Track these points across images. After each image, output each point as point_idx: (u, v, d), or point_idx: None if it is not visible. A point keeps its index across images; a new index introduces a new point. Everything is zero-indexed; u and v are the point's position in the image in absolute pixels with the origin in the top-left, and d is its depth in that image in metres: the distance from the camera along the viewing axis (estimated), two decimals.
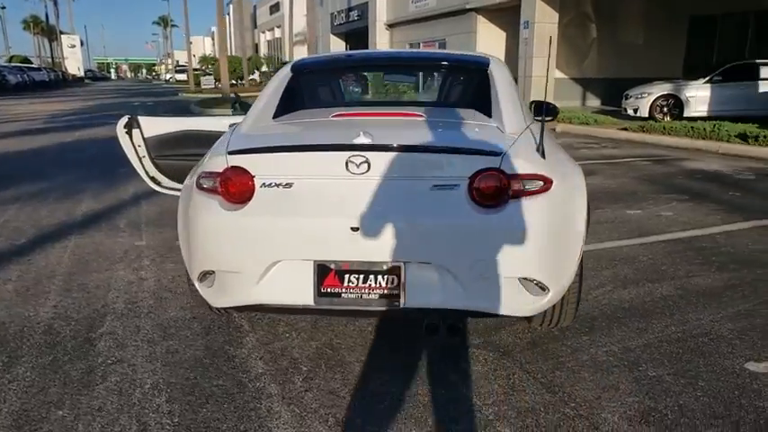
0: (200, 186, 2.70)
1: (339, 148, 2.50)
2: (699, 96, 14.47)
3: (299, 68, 3.61)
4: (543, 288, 2.53)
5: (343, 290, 2.54)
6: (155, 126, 4.36)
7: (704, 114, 14.20)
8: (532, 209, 2.48)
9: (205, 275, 2.75)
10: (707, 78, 14.64)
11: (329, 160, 2.51)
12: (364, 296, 2.53)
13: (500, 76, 3.35)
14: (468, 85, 3.65)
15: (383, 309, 2.55)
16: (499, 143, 2.58)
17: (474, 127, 2.97)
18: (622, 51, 20.11)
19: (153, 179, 4.58)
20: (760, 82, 14.40)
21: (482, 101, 3.24)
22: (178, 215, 2.90)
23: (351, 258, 2.51)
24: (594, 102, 20.90)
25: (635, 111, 14.99)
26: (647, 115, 14.66)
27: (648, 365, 2.85)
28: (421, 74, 3.93)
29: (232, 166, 2.58)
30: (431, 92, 3.82)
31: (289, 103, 3.38)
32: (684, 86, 14.76)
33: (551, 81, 17.23)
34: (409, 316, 2.54)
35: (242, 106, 5.13)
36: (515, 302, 2.53)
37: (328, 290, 2.55)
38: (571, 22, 19.11)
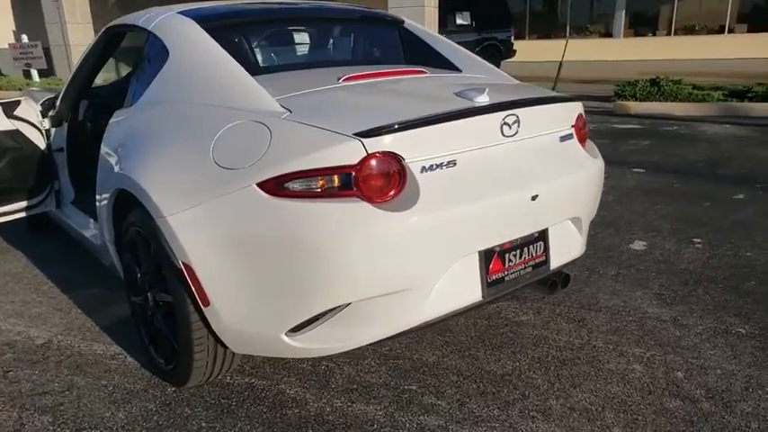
0: (308, 192, 1.84)
1: (494, 109, 2.07)
2: None
3: (205, 22, 2.60)
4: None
5: (506, 272, 2.17)
6: None
7: None
8: (595, 149, 2.61)
9: (320, 317, 1.93)
10: None
11: (486, 125, 2.05)
12: (521, 272, 2.22)
13: (426, 30, 3.19)
14: (399, 41, 3.26)
15: (537, 279, 2.29)
16: (550, 91, 2.56)
17: (500, 77, 2.81)
18: None
19: None
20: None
21: (437, 55, 3.05)
22: (230, 253, 1.91)
23: (521, 233, 2.16)
24: (127, 70, 19.78)
25: None
26: None
27: None
28: (330, 30, 3.23)
29: (378, 153, 1.84)
30: (357, 49, 3.23)
31: None
32: None
33: None
34: (550, 279, 2.34)
35: None
36: (582, 244, 2.57)
37: (494, 277, 2.14)
38: None
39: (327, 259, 1.82)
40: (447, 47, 3.08)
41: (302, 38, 3.13)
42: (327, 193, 1.83)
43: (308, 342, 1.96)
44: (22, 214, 3.50)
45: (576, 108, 2.42)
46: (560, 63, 3.96)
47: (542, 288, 2.39)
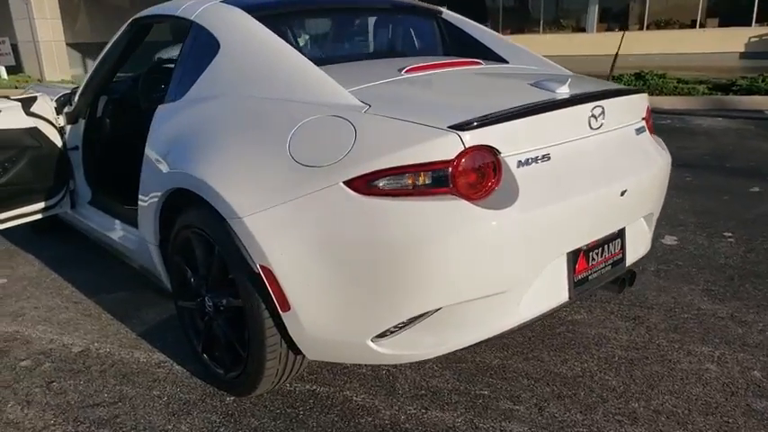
0: (399, 190, 1.74)
1: (583, 100, 2.00)
2: None
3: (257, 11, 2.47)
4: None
5: (590, 271, 2.11)
6: None
7: None
8: (662, 142, 2.56)
9: (411, 321, 1.84)
10: None
11: (576, 117, 1.99)
12: (602, 270, 2.17)
13: (466, 20, 3.11)
14: (441, 31, 3.16)
15: (614, 277, 2.24)
16: (611, 82, 2.50)
17: (553, 67, 2.74)
18: (111, 15, 18.99)
19: None
20: None
21: (477, 45, 2.97)
22: (313, 254, 1.80)
23: (610, 230, 2.10)
24: None
25: None
26: None
27: None
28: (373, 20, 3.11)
29: (475, 147, 1.76)
30: (399, 40, 3.12)
31: None
32: None
33: (60, 47, 15.16)
34: (620, 277, 2.29)
35: None
36: (650, 240, 2.52)
37: (579, 276, 2.07)
38: None
39: (422, 261, 1.73)
40: (489, 37, 3.00)
41: (345, 28, 3.02)
42: (421, 191, 1.74)
43: (395, 348, 1.87)
44: (39, 216, 3.32)
45: (645, 100, 2.36)
46: (615, 56, 3.91)
47: (610, 287, 2.34)
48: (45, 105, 3.24)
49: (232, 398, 2.26)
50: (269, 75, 2.15)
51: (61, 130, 3.33)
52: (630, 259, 2.29)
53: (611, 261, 2.18)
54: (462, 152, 1.72)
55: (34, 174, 3.13)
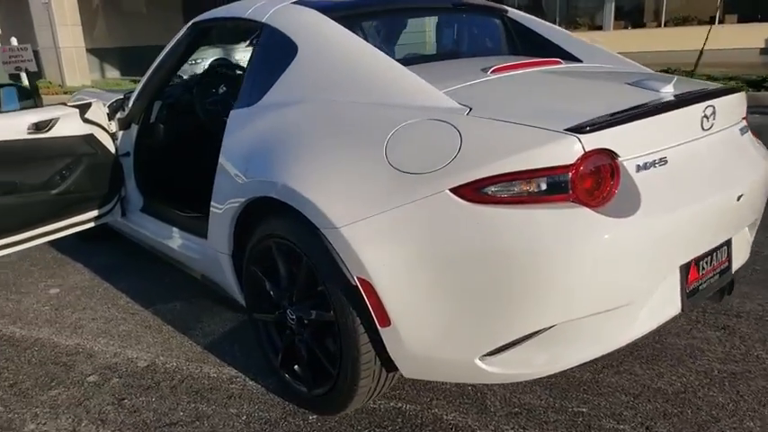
0: (512, 198, 1.63)
1: (697, 100, 1.88)
2: (245, 59, 15.01)
3: (329, 11, 2.37)
4: None
5: (700, 281, 1.98)
6: None
7: None
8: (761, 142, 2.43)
9: (524, 338, 1.72)
10: (248, 42, 15.27)
11: (689, 118, 1.86)
12: (711, 280, 2.03)
13: (532, 18, 2.99)
14: (507, 30, 3.04)
15: (721, 286, 2.10)
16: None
17: (631, 65, 2.62)
18: (128, 20, 19.04)
19: None
20: None
21: (545, 44, 2.85)
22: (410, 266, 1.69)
23: (725, 237, 1.98)
24: (113, 73, 19.37)
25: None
26: None
27: None
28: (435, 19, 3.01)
29: (595, 150, 1.64)
30: (467, 39, 3.01)
31: None
32: (233, 50, 15.07)
33: (81, 52, 15.17)
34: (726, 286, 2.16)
35: (23, 92, 3.06)
36: (750, 246, 2.38)
37: (691, 287, 1.94)
38: None
39: (539, 274, 1.61)
40: (559, 34, 2.87)
41: (414, 28, 2.90)
42: (536, 198, 1.62)
43: (505, 367, 1.75)
44: (91, 224, 3.23)
45: (745, 99, 2.23)
46: (701, 51, 3.83)
47: (712, 296, 2.21)
48: (99, 111, 3.16)
49: (315, 416, 2.15)
50: (355, 77, 2.04)
51: (113, 136, 3.24)
52: (735, 267, 2.15)
53: (719, 270, 2.05)
54: (582, 156, 1.61)
55: (90, 182, 3.05)
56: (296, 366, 2.19)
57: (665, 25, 21.43)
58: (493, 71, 2.17)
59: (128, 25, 18.92)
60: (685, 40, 20.04)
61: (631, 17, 21.87)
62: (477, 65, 2.26)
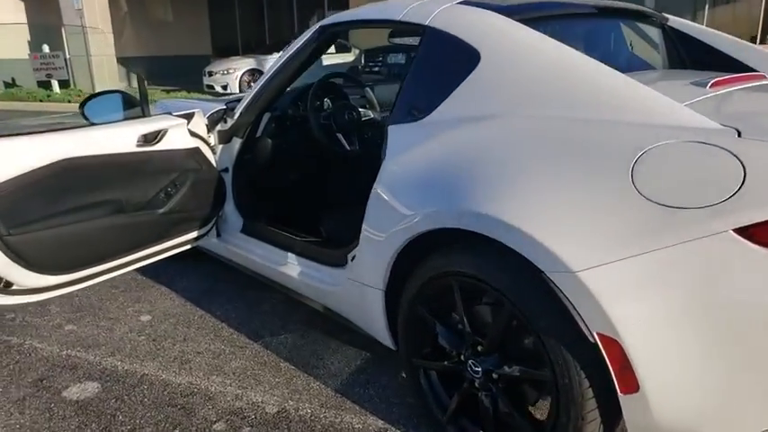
0: None
1: None
2: None
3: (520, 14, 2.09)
4: None
5: None
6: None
7: None
8: None
9: None
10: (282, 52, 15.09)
11: None
12: None
13: (698, 27, 2.72)
14: (662, 39, 2.76)
15: None
16: None
17: None
18: (155, 29, 18.95)
19: None
20: (322, 55, 15.64)
21: (712, 54, 2.58)
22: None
23: None
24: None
25: (224, 87, 14.44)
26: (237, 90, 14.30)
27: None
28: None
29: None
30: (629, 49, 2.73)
31: None
32: (265, 61, 14.87)
33: (111, 61, 15.04)
34: None
35: (127, 99, 2.81)
36: None
37: None
38: None
39: None
40: (731, 44, 2.59)
41: (591, 35, 2.60)
42: None
43: None
44: (187, 246, 2.96)
45: None
46: None
47: None
48: (201, 123, 2.90)
49: None
50: (569, 90, 1.76)
51: (212, 150, 2.97)
52: None
53: None
54: None
55: (196, 200, 2.77)
56: (472, 424, 1.89)
57: None
58: (711, 86, 1.88)
59: (154, 34, 18.82)
60: None
61: None
62: (681, 77, 1.98)
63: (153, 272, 3.59)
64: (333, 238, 2.82)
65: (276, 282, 2.80)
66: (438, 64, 2.07)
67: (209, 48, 20.36)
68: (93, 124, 2.58)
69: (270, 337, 2.81)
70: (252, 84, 14.51)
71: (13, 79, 16.03)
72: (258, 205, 3.08)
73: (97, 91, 2.64)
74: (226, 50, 18.62)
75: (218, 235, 3.12)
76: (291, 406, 2.28)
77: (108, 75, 14.71)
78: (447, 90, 1.98)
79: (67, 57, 14.80)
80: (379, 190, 2.04)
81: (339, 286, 2.37)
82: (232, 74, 14.48)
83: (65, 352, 2.70)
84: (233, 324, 2.94)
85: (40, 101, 13.50)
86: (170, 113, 2.75)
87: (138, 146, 2.54)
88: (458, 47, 2.01)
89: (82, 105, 2.69)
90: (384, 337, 2.21)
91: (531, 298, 1.60)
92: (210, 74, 14.68)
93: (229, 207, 3.05)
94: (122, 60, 17.65)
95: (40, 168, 2.19)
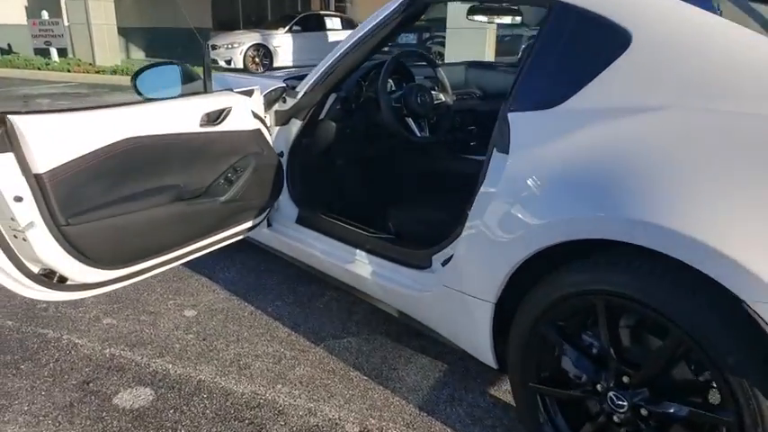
0: None
1: None
2: (284, 46, 14.46)
3: None
4: None
5: None
6: (56, 137, 1.76)
7: (290, 64, 14.33)
8: None
9: None
10: (287, 28, 14.70)
11: None
12: None
13: None
14: None
15: None
16: None
17: None
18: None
19: (44, 277, 1.92)
20: (328, 32, 15.30)
21: None
22: None
23: None
24: (138, 54, 18.74)
25: (228, 62, 14.05)
26: (241, 66, 13.92)
27: None
28: None
29: None
30: None
31: None
32: (270, 36, 14.48)
33: (112, 30, 14.55)
34: None
35: (186, 73, 2.51)
36: None
37: None
38: None
39: None
40: None
41: None
42: None
43: None
44: (240, 237, 2.68)
45: None
46: None
47: None
48: (259, 102, 2.61)
49: None
50: (761, 80, 1.49)
51: (269, 132, 2.69)
52: None
53: None
54: None
55: (257, 187, 2.50)
56: None
57: None
58: None
59: (154, 4, 18.29)
60: None
61: None
62: None
63: (189, 260, 3.31)
64: (404, 234, 2.56)
65: (338, 279, 2.55)
66: (572, 44, 1.79)
67: (209, 21, 19.88)
68: (148, 99, 2.29)
69: (332, 339, 2.55)
70: (257, 59, 14.14)
71: (9, 45, 15.50)
72: (315, 194, 2.81)
73: (146, 64, 2.32)
74: (226, 24, 18.17)
75: (269, 225, 2.84)
76: (374, 425, 2.03)
77: (108, 45, 14.23)
78: (586, 76, 1.72)
79: (66, 24, 14.28)
80: (499, 188, 1.77)
81: (426, 292, 2.12)
82: (236, 48, 14.07)
83: (108, 350, 2.43)
84: (287, 323, 2.68)
85: (38, 69, 13.05)
86: (231, 90, 2.46)
87: (201, 126, 2.26)
88: (598, 25, 1.74)
89: (134, 77, 2.39)
90: (485, 354, 1.96)
91: (716, 329, 1.35)
92: (214, 47, 14.24)
93: (283, 195, 2.78)
94: (121, 30, 17.13)
95: (101, 148, 1.90)
